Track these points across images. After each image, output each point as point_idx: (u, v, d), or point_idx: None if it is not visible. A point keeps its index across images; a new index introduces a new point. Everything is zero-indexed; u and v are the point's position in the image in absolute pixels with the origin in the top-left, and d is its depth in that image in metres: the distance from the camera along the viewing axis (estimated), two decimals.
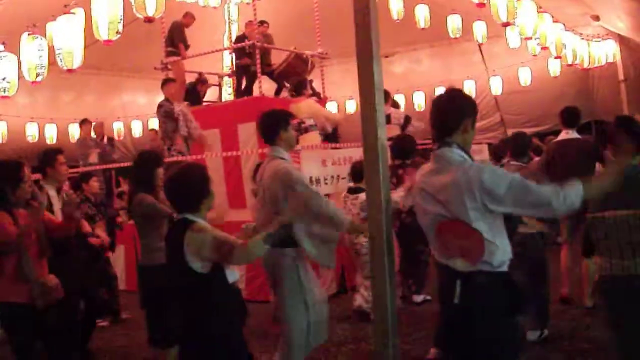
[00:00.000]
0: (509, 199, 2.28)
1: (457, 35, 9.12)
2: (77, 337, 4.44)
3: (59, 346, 3.78)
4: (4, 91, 6.03)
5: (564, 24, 8.38)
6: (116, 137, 11.98)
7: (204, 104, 9.40)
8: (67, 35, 5.48)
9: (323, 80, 9.11)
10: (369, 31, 2.62)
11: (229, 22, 10.51)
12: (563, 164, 5.31)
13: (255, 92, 8.11)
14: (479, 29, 8.85)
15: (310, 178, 6.16)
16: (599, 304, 4.52)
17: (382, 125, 2.64)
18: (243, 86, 9.06)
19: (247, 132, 7.22)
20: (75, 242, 4.38)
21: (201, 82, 9.36)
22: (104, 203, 6.65)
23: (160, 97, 7.65)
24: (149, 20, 5.46)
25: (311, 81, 8.81)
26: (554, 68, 10.03)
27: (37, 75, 5.86)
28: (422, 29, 9.00)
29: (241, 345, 2.74)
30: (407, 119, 8.35)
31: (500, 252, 2.36)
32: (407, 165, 5.83)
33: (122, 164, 8.26)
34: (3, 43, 6.06)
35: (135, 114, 12.52)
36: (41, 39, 5.85)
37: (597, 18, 9.38)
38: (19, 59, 5.91)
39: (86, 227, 5.20)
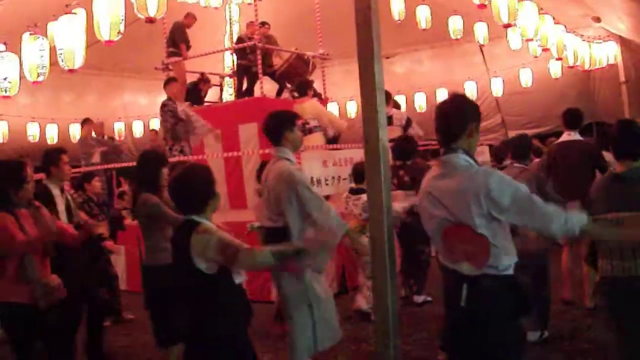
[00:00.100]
0: (513, 210, 2.30)
1: (458, 37, 9.11)
2: (75, 337, 4.43)
3: (59, 346, 3.78)
4: (5, 91, 6.04)
5: (565, 26, 8.39)
6: (117, 138, 11.97)
7: (205, 104, 9.42)
8: (68, 36, 5.49)
9: (324, 81, 9.12)
10: (370, 32, 2.62)
11: (230, 23, 10.52)
12: (564, 166, 5.29)
13: (257, 92, 8.12)
14: (480, 30, 8.86)
15: (311, 179, 6.16)
16: (600, 305, 4.52)
17: (383, 126, 2.63)
18: (244, 87, 9.07)
19: (248, 132, 7.23)
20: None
21: (204, 81, 9.38)
22: (106, 203, 6.64)
23: (161, 98, 7.63)
24: (150, 20, 5.47)
25: (312, 82, 8.81)
26: (555, 69, 10.05)
27: (39, 75, 5.87)
28: (423, 29, 9.02)
29: (247, 345, 2.74)
30: (409, 121, 8.33)
31: (506, 256, 2.37)
32: (408, 166, 5.84)
33: (123, 164, 8.27)
34: (4, 43, 6.08)
35: (136, 115, 12.54)
36: (42, 39, 5.86)
37: (598, 20, 9.38)
38: (20, 59, 5.93)
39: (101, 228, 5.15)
